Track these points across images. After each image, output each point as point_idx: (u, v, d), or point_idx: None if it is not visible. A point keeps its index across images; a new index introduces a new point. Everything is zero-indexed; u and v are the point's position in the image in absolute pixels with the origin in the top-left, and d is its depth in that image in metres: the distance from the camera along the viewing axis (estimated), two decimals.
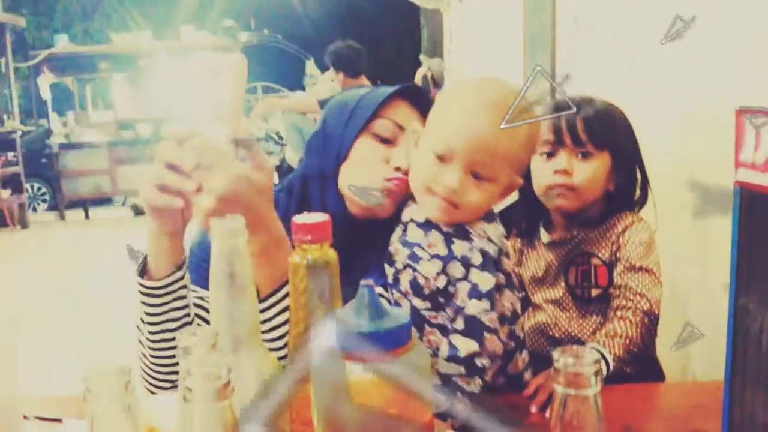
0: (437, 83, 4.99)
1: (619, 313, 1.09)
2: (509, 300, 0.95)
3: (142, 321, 0.92)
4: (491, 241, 0.94)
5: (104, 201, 8.77)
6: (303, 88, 8.08)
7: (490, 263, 0.92)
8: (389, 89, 1.08)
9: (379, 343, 0.52)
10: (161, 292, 0.90)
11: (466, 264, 0.92)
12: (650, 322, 1.09)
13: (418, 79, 5.09)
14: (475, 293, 0.90)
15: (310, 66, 7.92)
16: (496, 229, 0.97)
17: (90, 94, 9.96)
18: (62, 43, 8.85)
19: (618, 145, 1.19)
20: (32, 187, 8.73)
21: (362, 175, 1.06)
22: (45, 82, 8.66)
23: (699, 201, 1.43)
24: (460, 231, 0.95)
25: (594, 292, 1.18)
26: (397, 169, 1.04)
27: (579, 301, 1.19)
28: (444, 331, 0.94)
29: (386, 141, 1.07)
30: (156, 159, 0.83)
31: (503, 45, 4.20)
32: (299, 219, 0.65)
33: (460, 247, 0.93)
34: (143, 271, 0.91)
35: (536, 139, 1.00)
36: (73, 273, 5.14)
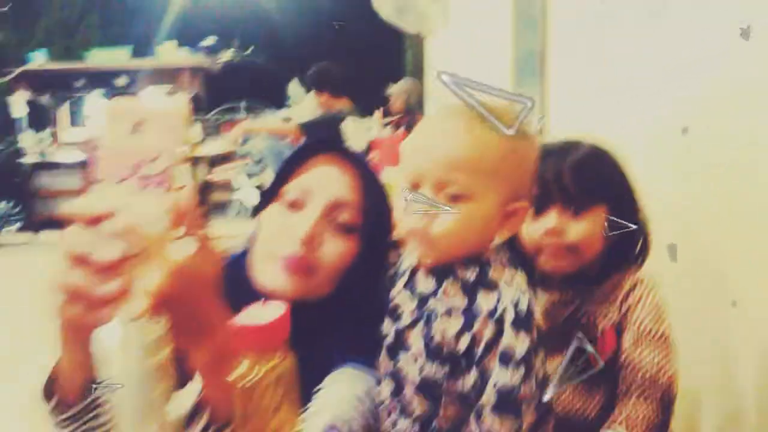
0: (411, 109, 4.90)
1: (636, 392, 0.94)
2: (540, 361, 0.78)
3: None
4: (522, 291, 0.78)
5: None
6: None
7: (525, 320, 0.76)
8: (302, 148, 0.95)
9: None
10: (77, 417, 0.71)
11: (499, 321, 0.75)
12: (669, 400, 0.95)
13: (399, 105, 4.99)
14: (508, 359, 0.73)
15: (293, 87, 7.77)
16: (522, 277, 0.81)
17: (66, 112, 9.74)
18: (39, 60, 8.67)
19: (613, 194, 1.05)
20: (4, 206, 8.48)
21: (262, 250, 0.91)
22: (20, 98, 8.45)
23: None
24: (483, 280, 0.78)
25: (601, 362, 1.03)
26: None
27: None
28: (465, 402, 0.77)
29: (294, 206, 0.91)
30: (60, 253, 0.59)
31: (490, 70, 4.10)
32: (242, 319, 0.48)
33: (486, 299, 0.77)
34: (50, 390, 0.72)
35: (526, 149, 0.84)
36: (42, 297, 4.91)
